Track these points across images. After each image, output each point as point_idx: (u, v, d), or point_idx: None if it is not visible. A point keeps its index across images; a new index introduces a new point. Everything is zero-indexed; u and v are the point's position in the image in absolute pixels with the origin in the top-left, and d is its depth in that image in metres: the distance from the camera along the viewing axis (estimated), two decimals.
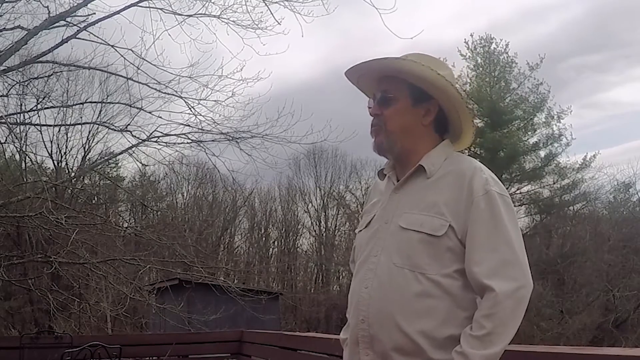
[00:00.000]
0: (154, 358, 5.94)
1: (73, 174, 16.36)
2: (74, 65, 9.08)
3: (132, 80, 8.66)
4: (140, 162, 10.17)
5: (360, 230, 1.83)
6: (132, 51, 8.13)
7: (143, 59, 8.24)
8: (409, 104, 1.71)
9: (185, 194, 26.00)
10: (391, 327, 1.57)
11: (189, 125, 8.94)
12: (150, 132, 9.05)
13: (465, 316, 1.56)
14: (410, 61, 1.68)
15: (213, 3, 8.34)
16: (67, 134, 18.15)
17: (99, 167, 14.31)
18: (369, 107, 1.78)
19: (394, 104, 1.71)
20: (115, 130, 9.98)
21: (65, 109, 12.33)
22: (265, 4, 8.09)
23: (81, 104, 12.29)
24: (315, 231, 29.38)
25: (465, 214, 1.58)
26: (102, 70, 9.25)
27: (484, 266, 1.53)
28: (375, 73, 1.76)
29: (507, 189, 1.72)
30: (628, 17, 31.33)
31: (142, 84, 8.60)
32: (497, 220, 1.56)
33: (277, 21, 8.15)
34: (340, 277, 29.90)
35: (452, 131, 1.77)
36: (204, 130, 8.99)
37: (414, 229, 1.61)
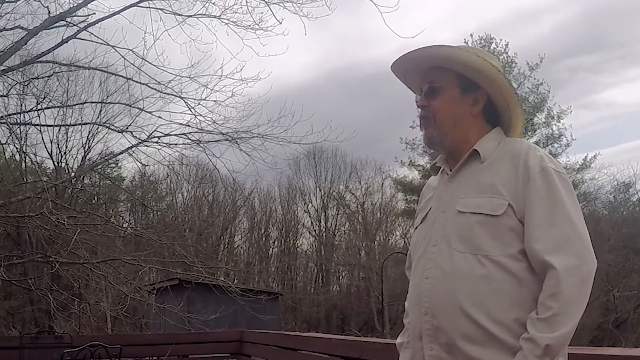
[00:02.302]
0: (154, 358, 5.95)
1: (73, 174, 16.35)
2: (74, 66, 9.09)
3: (133, 80, 8.70)
4: (140, 162, 10.19)
5: (417, 227, 1.76)
6: (133, 51, 8.16)
7: (143, 59, 8.26)
8: (457, 93, 1.66)
9: (185, 194, 26.04)
10: (457, 315, 1.49)
11: (189, 126, 8.97)
12: (151, 132, 9.07)
13: (533, 299, 1.48)
14: (457, 48, 1.64)
15: (213, 4, 8.37)
16: (67, 134, 18.21)
17: (99, 167, 14.30)
18: (417, 102, 1.73)
19: (442, 93, 1.66)
20: (115, 130, 9.99)
21: (65, 109, 12.33)
22: (267, 4, 8.10)
23: (81, 104, 12.31)
24: (315, 231, 29.40)
25: (522, 192, 1.53)
26: (103, 71, 9.27)
27: (544, 243, 1.47)
28: (422, 64, 1.71)
29: None
30: (622, 19, 31.38)
31: (143, 84, 8.62)
32: (555, 196, 1.51)
33: (278, 21, 8.18)
34: (340, 277, 29.93)
35: (502, 121, 1.72)
36: (204, 130, 9.01)
37: (472, 211, 1.55)
